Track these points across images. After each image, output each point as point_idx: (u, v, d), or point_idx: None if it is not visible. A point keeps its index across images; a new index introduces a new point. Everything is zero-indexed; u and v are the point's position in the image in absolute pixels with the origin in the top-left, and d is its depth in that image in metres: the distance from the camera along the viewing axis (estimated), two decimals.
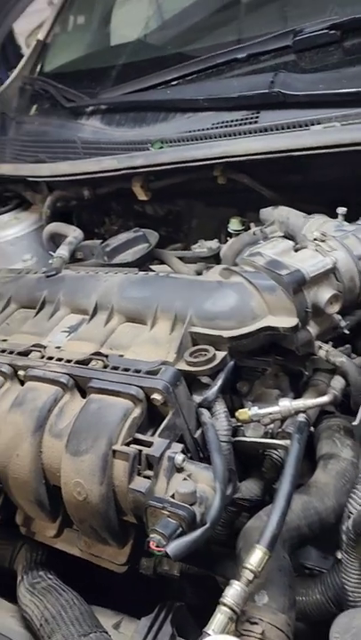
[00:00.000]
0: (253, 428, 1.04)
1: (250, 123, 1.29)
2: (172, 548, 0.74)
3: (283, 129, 1.23)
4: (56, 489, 0.93)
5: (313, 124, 1.19)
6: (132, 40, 1.95)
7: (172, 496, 0.81)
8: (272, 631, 0.74)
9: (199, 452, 0.96)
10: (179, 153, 1.31)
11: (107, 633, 0.86)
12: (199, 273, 1.37)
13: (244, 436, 1.01)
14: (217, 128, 1.33)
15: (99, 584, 1.08)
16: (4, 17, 2.04)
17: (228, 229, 1.41)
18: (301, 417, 0.95)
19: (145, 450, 0.85)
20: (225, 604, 0.73)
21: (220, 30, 1.72)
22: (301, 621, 0.95)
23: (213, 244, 1.41)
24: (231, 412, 1.00)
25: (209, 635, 0.69)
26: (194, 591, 1.16)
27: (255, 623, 0.75)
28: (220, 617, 0.72)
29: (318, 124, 1.18)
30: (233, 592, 0.73)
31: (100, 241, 1.58)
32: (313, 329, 1.01)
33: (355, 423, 0.91)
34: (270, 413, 0.97)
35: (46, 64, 2.12)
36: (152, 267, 1.45)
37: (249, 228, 1.31)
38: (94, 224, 1.89)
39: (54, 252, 1.45)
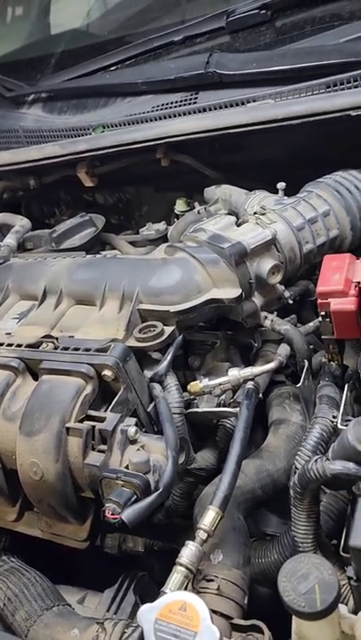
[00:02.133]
0: (207, 401, 1.07)
1: (189, 104, 1.31)
2: (127, 514, 0.76)
3: (221, 108, 1.25)
4: (13, 472, 0.94)
5: (249, 102, 1.22)
6: (69, 29, 1.94)
7: (127, 467, 0.83)
8: (227, 586, 0.77)
9: (153, 425, 0.98)
10: (119, 136, 1.32)
11: (70, 606, 0.88)
12: None
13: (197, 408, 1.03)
14: (157, 110, 1.35)
15: (65, 567, 1.09)
16: None
17: (175, 211, 1.43)
18: (250, 384, 0.98)
19: (98, 425, 0.86)
20: (181, 564, 0.75)
21: (162, 16, 1.72)
22: (264, 584, 0.99)
23: (161, 226, 1.43)
24: (185, 387, 1.02)
25: (166, 593, 0.71)
26: (162, 567, 1.18)
27: (211, 580, 0.78)
28: (176, 576, 0.74)
29: (254, 101, 1.21)
30: (188, 552, 0.76)
31: (50, 230, 1.58)
32: (258, 300, 1.04)
33: (299, 385, 0.94)
34: (220, 384, 1.00)
35: None
36: (103, 252, 1.46)
37: (194, 208, 1.33)
38: (44, 215, 1.88)
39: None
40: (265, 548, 0.96)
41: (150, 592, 0.95)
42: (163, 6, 1.76)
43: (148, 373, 0.98)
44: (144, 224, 1.52)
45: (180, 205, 1.42)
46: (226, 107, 1.24)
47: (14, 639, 0.79)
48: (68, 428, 0.87)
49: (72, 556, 1.01)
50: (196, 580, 0.78)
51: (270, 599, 1.02)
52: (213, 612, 0.72)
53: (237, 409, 0.97)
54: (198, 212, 1.25)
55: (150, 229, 1.42)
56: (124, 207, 1.86)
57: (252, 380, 0.99)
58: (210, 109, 1.26)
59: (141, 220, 1.79)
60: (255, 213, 1.07)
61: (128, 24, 1.81)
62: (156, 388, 0.97)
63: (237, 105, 1.23)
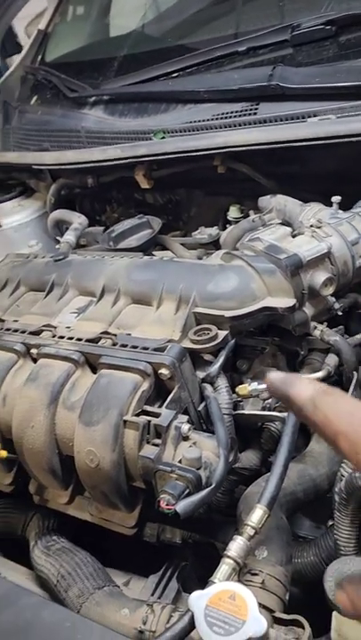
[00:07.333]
0: (252, 404, 1.11)
1: (249, 114, 1.34)
2: (181, 506, 0.81)
3: (281, 121, 1.28)
4: (68, 458, 0.99)
5: (310, 117, 1.25)
6: (130, 31, 1.99)
7: (180, 461, 0.88)
8: (271, 581, 0.82)
9: (202, 424, 1.03)
10: (181, 143, 1.36)
11: (119, 587, 0.93)
12: (199, 258, 1.43)
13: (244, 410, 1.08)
14: (217, 119, 1.39)
15: (108, 551, 1.15)
16: (4, 11, 2.06)
17: (228, 217, 1.47)
18: None
19: (153, 420, 0.92)
20: (229, 557, 0.80)
21: (217, 23, 1.76)
22: (296, 584, 1.03)
23: (213, 230, 1.47)
24: (232, 389, 1.07)
25: (214, 582, 0.76)
26: (196, 560, 1.23)
27: (256, 574, 0.82)
28: (224, 567, 0.79)
29: (315, 116, 1.24)
30: (236, 546, 0.80)
31: (103, 228, 1.63)
32: (309, 310, 1.08)
33: None
34: None
35: (47, 54, 2.15)
36: (154, 252, 1.51)
37: (248, 216, 1.37)
38: (96, 212, 1.94)
39: (59, 237, 1.50)
40: (301, 549, 1.00)
41: (191, 582, 1.00)
42: (216, 14, 1.78)
43: (200, 374, 1.03)
44: (192, 225, 1.56)
45: (233, 212, 1.45)
46: (286, 119, 1.27)
47: (68, 612, 0.84)
48: (125, 421, 0.92)
49: (110, 542, 1.07)
50: (241, 573, 0.82)
51: (299, 600, 1.06)
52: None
53: (284, 413, 1.01)
54: (253, 221, 1.29)
55: (203, 233, 1.46)
56: (173, 208, 1.91)
57: None
58: (270, 121, 1.29)
59: (190, 220, 1.83)
60: (311, 226, 1.10)
61: (183, 30, 1.84)
62: (208, 388, 1.02)
63: (298, 118, 1.26)
